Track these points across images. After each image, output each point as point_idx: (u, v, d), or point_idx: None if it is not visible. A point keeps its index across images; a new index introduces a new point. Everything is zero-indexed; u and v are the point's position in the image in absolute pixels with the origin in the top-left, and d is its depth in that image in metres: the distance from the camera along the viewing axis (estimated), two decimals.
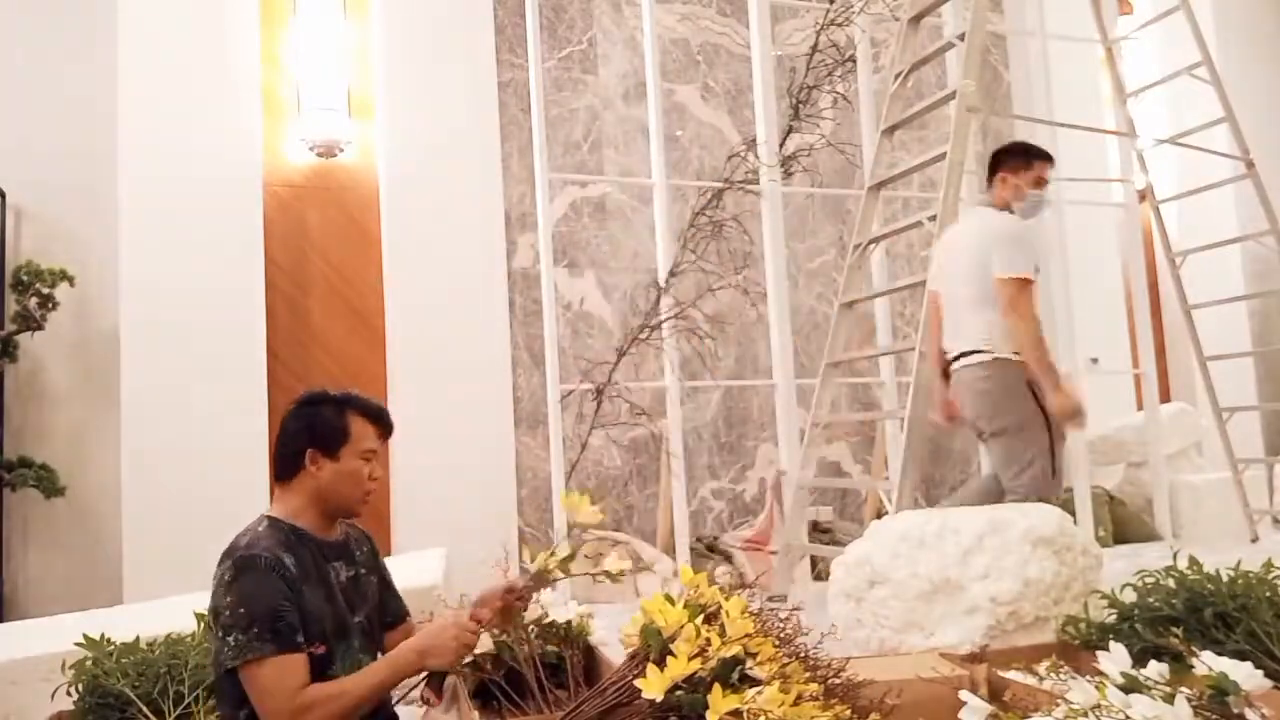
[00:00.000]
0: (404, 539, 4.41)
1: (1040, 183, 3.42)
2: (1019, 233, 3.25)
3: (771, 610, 1.90)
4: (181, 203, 4.36)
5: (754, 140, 4.53)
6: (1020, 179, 3.38)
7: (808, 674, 1.75)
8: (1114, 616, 2.35)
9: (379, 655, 1.86)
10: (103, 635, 2.19)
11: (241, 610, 1.64)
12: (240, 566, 1.68)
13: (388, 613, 1.99)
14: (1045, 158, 3.45)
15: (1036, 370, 3.15)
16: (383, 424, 1.91)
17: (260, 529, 1.77)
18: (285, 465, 1.84)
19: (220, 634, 1.66)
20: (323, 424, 1.84)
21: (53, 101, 4.56)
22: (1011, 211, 3.36)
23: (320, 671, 1.71)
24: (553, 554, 2.01)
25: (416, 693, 1.92)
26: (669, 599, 1.78)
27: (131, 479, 4.17)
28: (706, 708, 1.57)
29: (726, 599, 1.78)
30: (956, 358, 3.33)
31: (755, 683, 1.65)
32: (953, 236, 3.44)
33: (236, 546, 1.73)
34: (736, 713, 1.56)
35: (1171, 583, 2.33)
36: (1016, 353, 3.16)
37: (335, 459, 1.83)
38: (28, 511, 4.36)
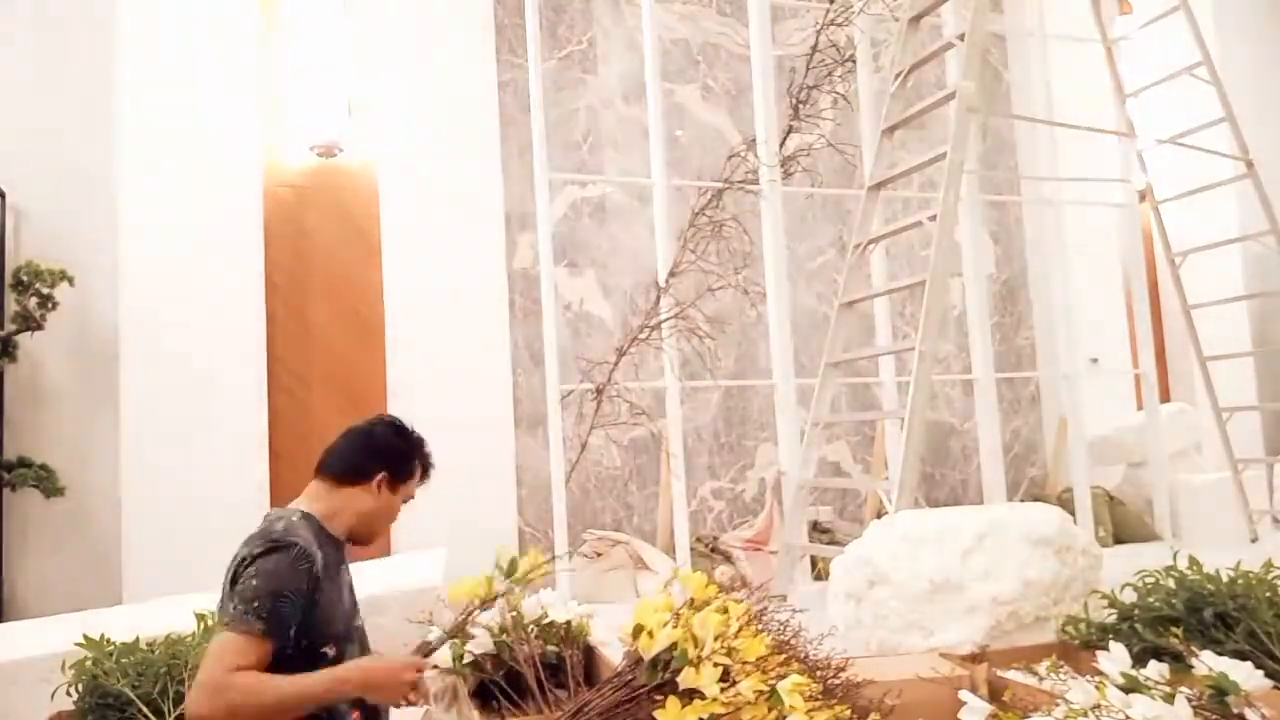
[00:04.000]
0: (404, 539, 4.41)
1: None
2: None
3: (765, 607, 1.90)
4: (181, 203, 4.37)
5: (754, 140, 4.52)
6: None
7: (807, 674, 1.75)
8: (1114, 616, 2.36)
9: None
10: (102, 635, 2.18)
11: (255, 583, 1.67)
12: (270, 546, 1.71)
13: None
14: None
15: None
16: (428, 477, 2.03)
17: (295, 519, 1.81)
18: (352, 471, 1.89)
19: (226, 598, 1.71)
20: (404, 458, 1.94)
21: (53, 101, 4.56)
22: None
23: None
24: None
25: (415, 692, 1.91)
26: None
27: (131, 479, 4.17)
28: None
29: (723, 595, 1.78)
30: None
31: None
32: None
33: (272, 530, 1.76)
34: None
35: (1171, 583, 2.33)
36: None
37: (394, 491, 1.92)
38: (28, 511, 4.36)
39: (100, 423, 4.42)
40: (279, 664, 1.67)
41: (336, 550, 1.86)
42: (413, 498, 1.98)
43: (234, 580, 1.71)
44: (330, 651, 1.73)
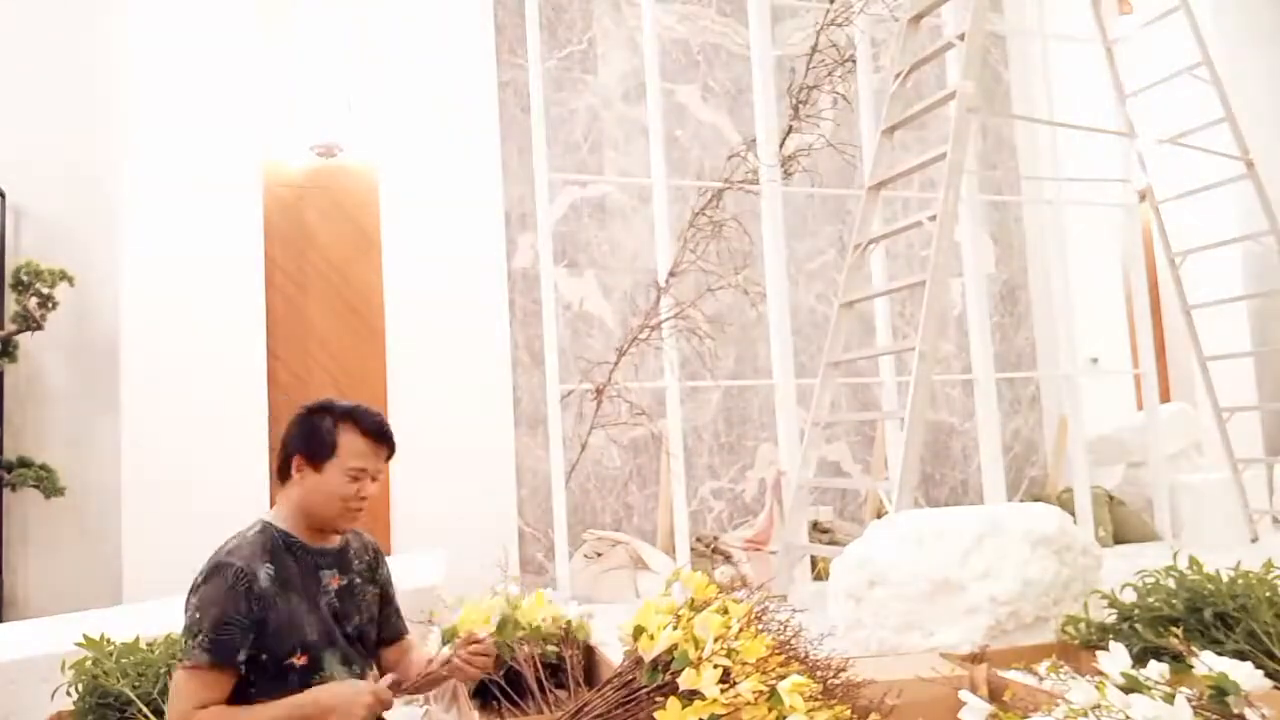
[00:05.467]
0: (404, 539, 4.41)
1: None
2: None
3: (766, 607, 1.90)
4: (182, 203, 4.36)
5: (754, 140, 4.52)
6: None
7: (807, 674, 1.75)
8: (1114, 616, 2.35)
9: (371, 667, 1.85)
10: (103, 635, 2.19)
11: (197, 615, 1.66)
12: (211, 572, 1.69)
13: (387, 629, 1.97)
14: None
15: None
16: (380, 442, 1.85)
17: (250, 534, 1.77)
18: (280, 468, 1.86)
19: (182, 630, 1.71)
20: (314, 433, 1.82)
21: (53, 102, 4.56)
22: None
23: (304, 680, 1.70)
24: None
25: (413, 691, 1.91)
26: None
27: (131, 479, 4.17)
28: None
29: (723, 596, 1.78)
30: None
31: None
32: None
33: (220, 549, 1.74)
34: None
35: (1171, 583, 2.33)
36: None
37: (318, 470, 1.80)
38: (28, 511, 4.36)
39: (100, 423, 4.42)
40: (247, 682, 1.68)
41: (308, 555, 1.80)
42: (365, 470, 1.81)
43: (185, 612, 1.70)
44: (300, 661, 1.70)
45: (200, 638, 1.64)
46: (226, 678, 1.65)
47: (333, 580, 1.83)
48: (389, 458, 1.88)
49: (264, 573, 1.70)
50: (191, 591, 1.70)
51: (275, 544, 1.76)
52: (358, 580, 1.89)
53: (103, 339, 4.46)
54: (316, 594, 1.79)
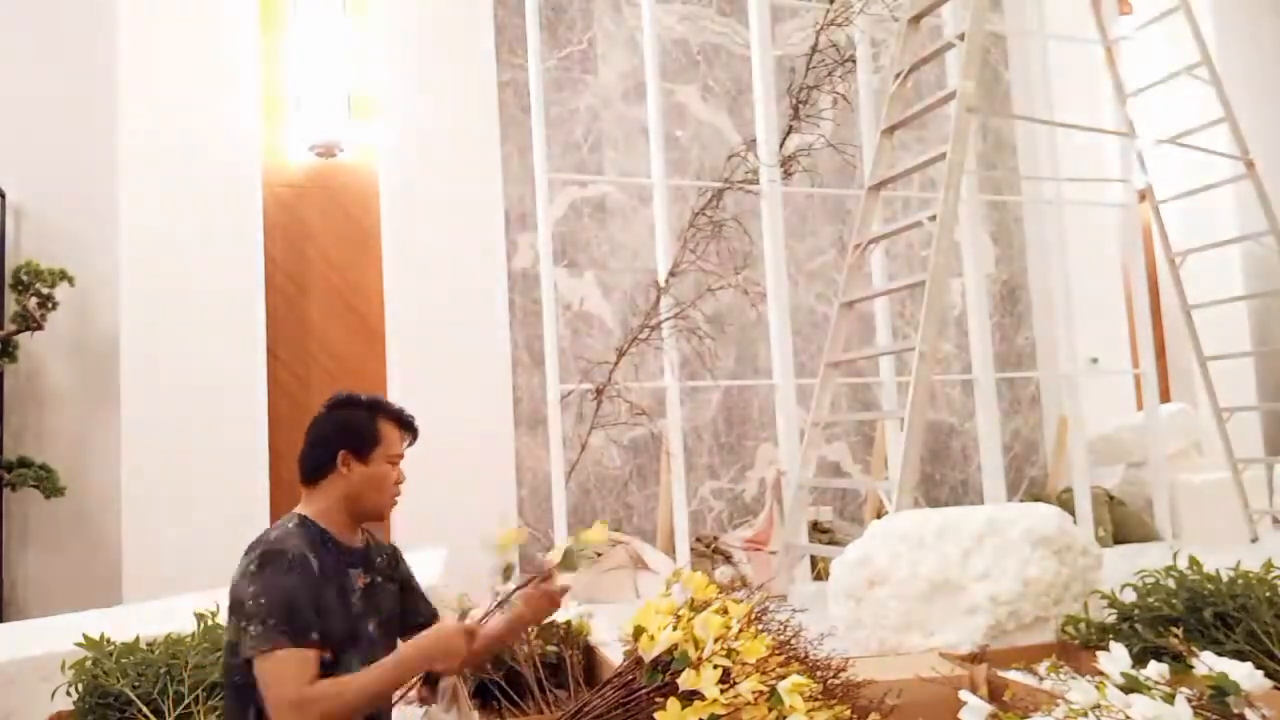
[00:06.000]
0: (404, 539, 4.38)
1: None
2: None
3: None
4: (181, 203, 4.36)
5: (754, 140, 4.52)
6: None
7: (807, 674, 1.75)
8: (1114, 616, 2.36)
9: None
10: (103, 635, 2.19)
11: (263, 601, 1.65)
12: (266, 559, 1.70)
13: (418, 615, 2.00)
14: None
15: None
16: (410, 429, 1.98)
17: (290, 525, 1.81)
18: (316, 467, 1.87)
19: (241, 623, 1.67)
20: (355, 426, 1.89)
21: (53, 101, 4.56)
22: None
23: (323, 676, 1.70)
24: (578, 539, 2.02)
25: (414, 693, 1.92)
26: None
27: (131, 479, 4.16)
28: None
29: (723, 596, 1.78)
30: None
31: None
32: None
33: (265, 539, 1.76)
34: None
35: (1171, 583, 2.33)
36: None
37: (365, 462, 1.87)
38: (28, 511, 4.36)
39: (100, 423, 4.42)
40: None
41: (340, 553, 1.84)
42: (402, 457, 1.94)
43: (240, 604, 1.69)
44: (326, 656, 1.70)
45: (273, 621, 1.64)
46: (312, 654, 1.66)
47: (359, 579, 1.87)
48: (411, 444, 1.99)
49: (313, 560, 1.75)
50: (245, 580, 1.69)
51: (315, 538, 1.80)
52: (379, 579, 1.93)
53: (103, 339, 4.46)
54: (347, 591, 1.82)
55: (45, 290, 4.17)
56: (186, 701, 2.07)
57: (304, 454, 1.90)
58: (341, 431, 1.88)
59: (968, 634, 2.44)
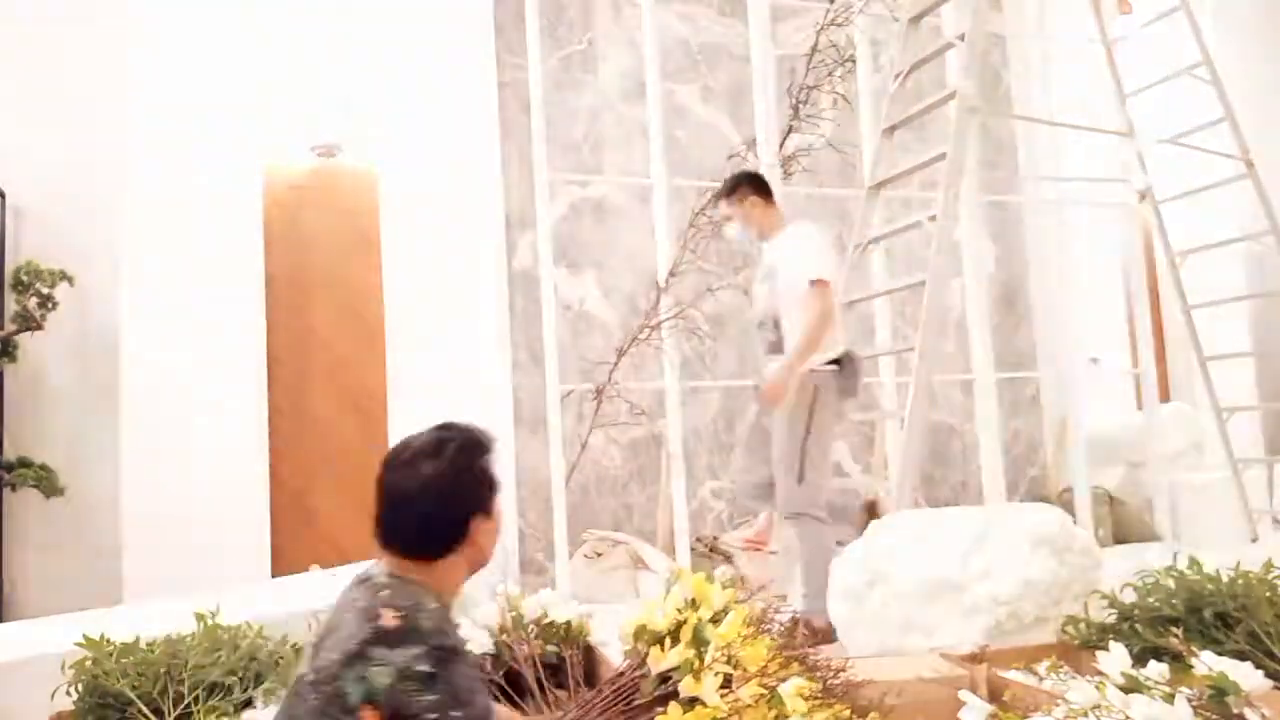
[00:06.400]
0: None
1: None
2: (823, 237, 3.47)
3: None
4: (181, 203, 4.37)
5: (754, 140, 4.52)
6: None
7: (807, 675, 1.75)
8: (1114, 616, 2.36)
9: None
10: (102, 635, 2.18)
11: (454, 714, 1.34)
12: (438, 661, 1.36)
13: None
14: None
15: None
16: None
17: (432, 607, 1.45)
18: (446, 540, 1.48)
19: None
20: (486, 477, 1.51)
21: (54, 101, 4.56)
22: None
23: None
24: None
25: None
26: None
27: (131, 479, 4.17)
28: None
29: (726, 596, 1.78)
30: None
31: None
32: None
33: (413, 620, 1.39)
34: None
35: (1171, 583, 2.33)
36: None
37: (491, 515, 1.52)
38: (28, 511, 4.36)
39: (100, 423, 4.42)
40: None
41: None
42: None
43: (407, 691, 1.34)
44: None
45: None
46: None
47: None
48: None
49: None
50: (414, 691, 1.33)
51: (447, 616, 1.50)
52: None
53: (103, 339, 4.46)
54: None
55: (45, 290, 4.17)
56: (186, 701, 2.07)
57: (426, 527, 1.47)
58: (473, 491, 1.50)
59: (968, 634, 2.43)
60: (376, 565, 1.50)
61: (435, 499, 1.47)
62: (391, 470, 1.50)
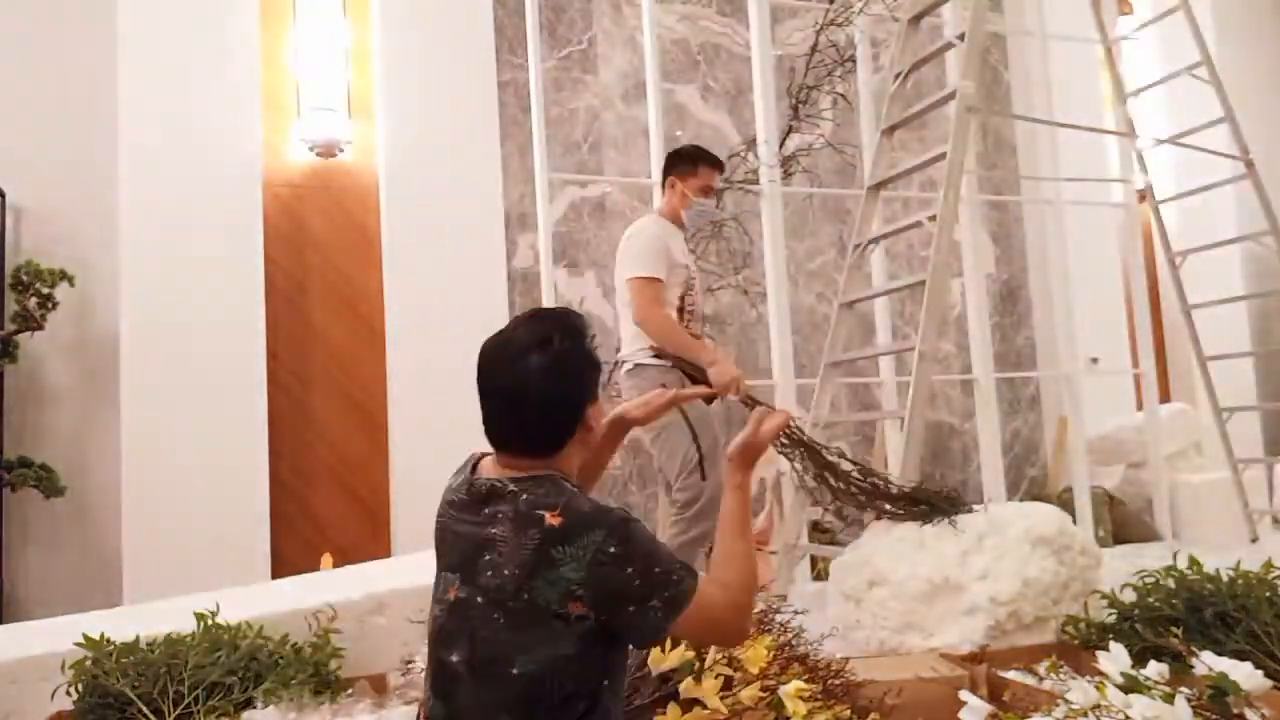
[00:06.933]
0: (404, 539, 4.40)
1: (707, 191, 3.39)
2: (647, 233, 3.24)
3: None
4: (181, 203, 4.36)
5: (754, 140, 4.52)
6: (687, 186, 3.36)
7: (807, 675, 1.75)
8: (1114, 616, 2.36)
9: None
10: (102, 635, 2.18)
11: (656, 571, 1.36)
12: (623, 533, 1.37)
13: None
14: (714, 164, 3.41)
15: (682, 355, 3.14)
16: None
17: (574, 490, 1.44)
18: (567, 429, 1.46)
19: (633, 608, 1.35)
20: (594, 361, 1.48)
21: (53, 101, 4.56)
22: (680, 220, 3.37)
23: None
24: None
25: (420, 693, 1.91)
26: None
27: (131, 479, 4.16)
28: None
29: None
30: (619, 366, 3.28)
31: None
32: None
33: (581, 518, 1.37)
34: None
35: (1171, 583, 2.33)
36: (655, 354, 3.13)
37: (597, 400, 1.49)
38: (28, 511, 4.36)
39: (100, 423, 4.42)
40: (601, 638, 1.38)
41: None
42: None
43: (616, 594, 1.35)
44: None
45: (676, 575, 1.37)
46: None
47: None
48: None
49: None
50: (612, 564, 1.34)
51: None
52: None
53: (103, 339, 4.46)
54: None
55: (45, 290, 4.17)
56: (186, 701, 2.07)
57: (542, 419, 1.45)
58: (585, 376, 1.46)
59: (968, 634, 2.44)
60: (485, 474, 1.50)
61: (554, 392, 1.44)
62: (499, 368, 1.48)
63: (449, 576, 1.46)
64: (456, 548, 1.46)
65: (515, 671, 1.35)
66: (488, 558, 1.40)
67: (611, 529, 1.36)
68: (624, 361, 3.24)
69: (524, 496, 1.41)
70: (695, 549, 3.00)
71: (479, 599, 1.39)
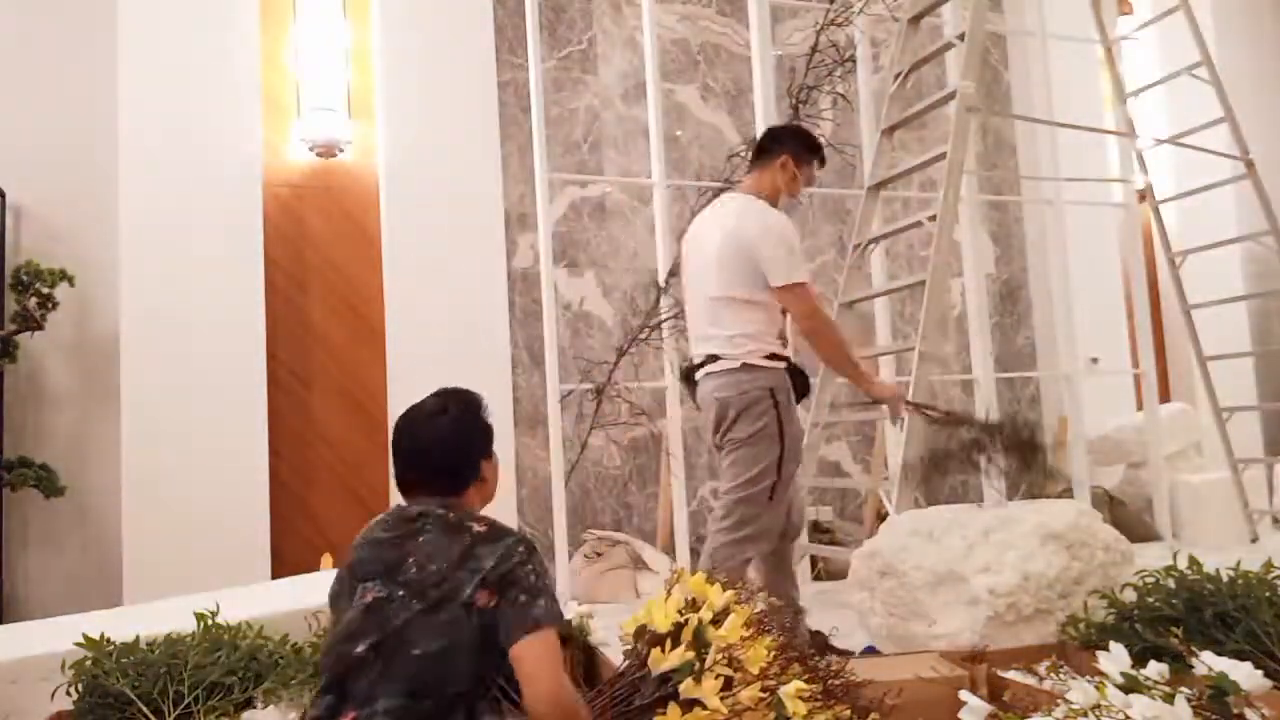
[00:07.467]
0: None
1: (808, 184, 3.12)
2: (788, 227, 2.91)
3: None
4: (181, 203, 4.36)
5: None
6: (802, 172, 3.05)
7: (807, 675, 1.75)
8: (1114, 616, 2.36)
9: None
10: (103, 635, 2.18)
11: (545, 583, 1.61)
12: (530, 547, 1.64)
13: None
14: (823, 162, 3.15)
15: (842, 369, 3.08)
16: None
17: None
18: (468, 476, 1.77)
19: (524, 598, 1.56)
20: (487, 426, 1.83)
21: (53, 101, 4.56)
22: (774, 204, 2.99)
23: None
24: None
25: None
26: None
27: (131, 479, 4.16)
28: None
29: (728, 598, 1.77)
30: (700, 364, 2.97)
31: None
32: (704, 228, 3.08)
33: (501, 528, 1.66)
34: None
35: (1171, 583, 2.33)
36: (769, 356, 2.86)
37: (490, 458, 1.83)
38: (28, 511, 4.36)
39: (100, 423, 4.42)
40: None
41: None
42: None
43: (510, 582, 1.58)
44: None
45: (555, 604, 1.60)
46: None
47: None
48: None
49: None
50: (519, 561, 1.59)
51: None
52: None
53: (103, 339, 4.46)
54: None
55: (45, 290, 4.17)
56: (186, 701, 2.07)
57: (451, 464, 1.76)
58: (483, 435, 1.81)
59: (968, 624, 2.46)
60: (410, 506, 1.74)
61: (455, 444, 1.77)
62: (415, 427, 1.79)
63: (366, 585, 1.64)
64: (379, 560, 1.66)
65: (416, 652, 1.54)
66: (413, 559, 1.62)
67: (523, 540, 1.64)
68: (720, 358, 2.89)
69: (451, 514, 1.69)
70: (736, 558, 2.81)
71: (400, 593, 1.59)
